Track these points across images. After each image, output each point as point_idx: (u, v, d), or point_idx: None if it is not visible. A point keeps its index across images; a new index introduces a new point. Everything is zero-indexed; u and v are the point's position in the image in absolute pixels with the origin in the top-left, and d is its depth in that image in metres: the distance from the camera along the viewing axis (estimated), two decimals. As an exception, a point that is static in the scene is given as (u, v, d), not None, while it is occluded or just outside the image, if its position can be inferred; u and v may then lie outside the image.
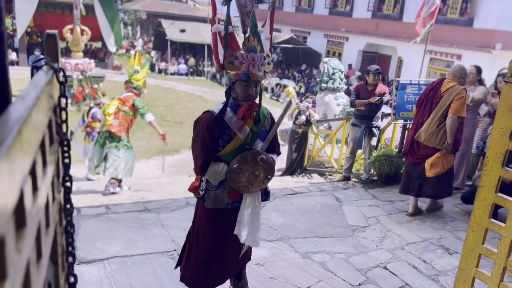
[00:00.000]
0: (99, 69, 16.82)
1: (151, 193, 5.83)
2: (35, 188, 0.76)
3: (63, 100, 1.14)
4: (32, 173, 0.74)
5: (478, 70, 5.63)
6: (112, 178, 5.92)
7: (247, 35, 2.35)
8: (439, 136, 4.54)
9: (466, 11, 16.30)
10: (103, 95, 14.34)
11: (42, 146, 0.86)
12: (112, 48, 16.65)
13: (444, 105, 4.51)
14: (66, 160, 1.15)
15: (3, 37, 0.84)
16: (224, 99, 2.50)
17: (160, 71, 23.76)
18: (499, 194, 2.16)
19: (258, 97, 2.45)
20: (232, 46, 2.32)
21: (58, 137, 1.10)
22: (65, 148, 1.14)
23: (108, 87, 15.49)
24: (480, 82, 5.62)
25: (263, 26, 2.49)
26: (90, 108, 7.80)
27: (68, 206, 1.19)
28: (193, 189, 2.67)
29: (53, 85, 1.09)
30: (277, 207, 4.87)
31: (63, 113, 1.15)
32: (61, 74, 1.11)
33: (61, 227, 1.19)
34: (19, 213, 0.63)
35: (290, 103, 2.61)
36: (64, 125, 1.15)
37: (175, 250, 3.72)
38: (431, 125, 4.55)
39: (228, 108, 2.43)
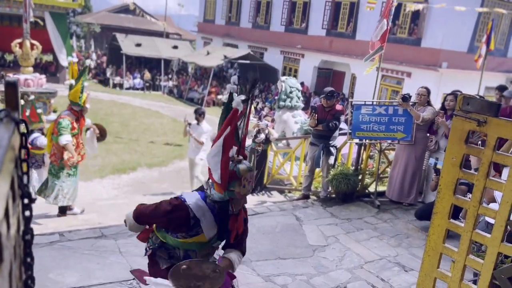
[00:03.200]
0: (50, 84, 16.20)
1: (107, 217, 5.65)
2: (1, 260, 0.73)
3: (23, 151, 1.10)
4: (-2, 248, 0.71)
5: (428, 91, 5.96)
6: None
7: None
8: None
9: (414, 31, 17.15)
10: (54, 111, 13.80)
11: (6, 213, 0.83)
12: (64, 62, 16.15)
13: None
14: (27, 213, 1.11)
15: None
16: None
17: (115, 85, 23.21)
18: (451, 220, 2.27)
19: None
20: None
21: (19, 191, 1.06)
22: (26, 201, 1.10)
23: (60, 102, 14.92)
24: (428, 102, 5.93)
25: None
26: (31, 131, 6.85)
27: (28, 259, 1.14)
28: (142, 239, 2.66)
29: (15, 137, 1.05)
30: (238, 228, 4.85)
31: (24, 165, 1.11)
32: (22, 126, 1.07)
33: (21, 282, 1.14)
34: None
35: None
36: (25, 177, 1.10)
37: (134, 278, 3.62)
38: None
39: (205, 205, 2.33)
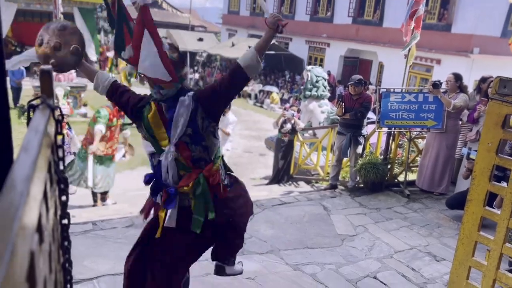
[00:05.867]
0: (80, 79, 16.60)
1: (138, 207, 5.75)
2: (41, 241, 0.75)
3: (59, 138, 1.13)
4: (39, 229, 0.73)
5: (457, 77, 5.75)
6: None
7: None
8: None
9: (444, 16, 16.65)
10: (85, 105, 14.15)
11: (45, 195, 0.85)
12: (93, 57, 16.46)
13: None
14: (63, 198, 1.14)
15: (7, 101, 0.83)
16: None
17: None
18: (487, 207, 2.21)
19: None
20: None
21: (55, 176, 1.09)
22: (62, 186, 1.13)
23: (90, 96, 15.28)
24: (461, 89, 5.73)
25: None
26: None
27: (66, 243, 1.18)
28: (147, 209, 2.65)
29: (50, 123, 1.08)
30: (266, 218, 4.87)
31: (60, 151, 1.14)
32: (57, 112, 1.09)
33: (59, 264, 1.17)
34: (30, 278, 0.62)
35: None
36: (61, 163, 1.13)
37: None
38: None
39: None
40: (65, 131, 6.30)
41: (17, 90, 13.11)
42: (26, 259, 0.58)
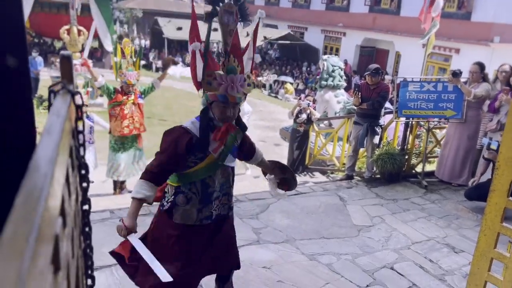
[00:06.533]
0: (97, 69, 16.75)
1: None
2: (64, 225, 0.75)
3: (80, 123, 1.13)
4: (62, 213, 0.72)
5: (481, 67, 5.60)
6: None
7: (227, 55, 2.26)
8: None
9: (463, 4, 16.27)
10: (101, 96, 14.27)
11: (67, 179, 0.84)
12: (109, 47, 16.54)
13: None
14: (84, 184, 1.14)
15: (30, 89, 0.83)
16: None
17: (157, 69, 23.65)
18: (511, 198, 2.15)
19: (236, 118, 2.39)
20: (210, 66, 2.24)
21: (76, 162, 1.09)
22: (83, 172, 1.13)
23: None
24: (484, 78, 5.57)
25: (246, 46, 2.40)
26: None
27: (87, 229, 1.18)
28: (157, 199, 2.55)
29: (71, 108, 1.07)
30: (282, 208, 4.86)
31: (80, 136, 1.13)
32: (78, 97, 1.09)
33: (81, 250, 1.18)
34: (55, 260, 0.62)
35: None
36: (81, 149, 1.13)
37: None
38: None
39: (202, 126, 2.32)
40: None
41: (35, 81, 13.29)
42: (51, 242, 0.57)
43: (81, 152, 1.12)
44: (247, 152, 2.67)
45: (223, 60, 2.26)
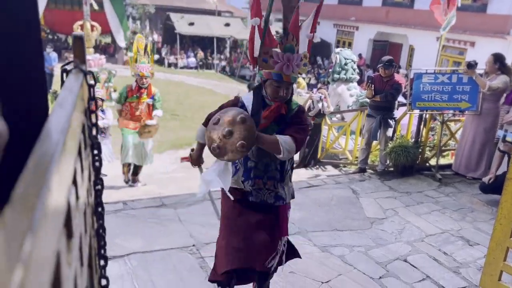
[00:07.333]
0: (110, 65, 16.88)
1: (167, 189, 5.84)
2: (77, 197, 0.75)
3: (92, 103, 1.13)
4: (74, 182, 0.72)
5: (496, 58, 5.47)
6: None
7: (286, 33, 2.22)
8: None
9: (479, -4, 15.98)
10: (114, 91, 14.39)
11: (79, 152, 0.84)
12: (121, 43, 16.64)
13: None
14: (97, 164, 1.14)
15: (42, 58, 0.83)
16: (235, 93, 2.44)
17: (169, 65, 23.76)
18: (528, 186, 2.11)
19: (289, 98, 2.34)
20: (267, 43, 2.19)
21: (89, 141, 1.09)
22: (96, 152, 1.13)
23: (119, 82, 15.54)
24: (502, 70, 5.42)
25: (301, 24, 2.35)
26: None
27: (99, 209, 1.19)
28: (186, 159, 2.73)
29: (84, 88, 1.08)
30: (294, 200, 4.81)
31: (93, 116, 1.14)
32: (90, 76, 1.09)
33: (94, 230, 1.18)
34: (68, 225, 0.62)
35: None
36: (94, 128, 1.13)
37: (193, 245, 3.73)
38: None
39: (255, 102, 2.33)
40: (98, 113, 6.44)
41: (49, 76, 13.43)
42: (63, 205, 0.57)
43: (93, 132, 1.12)
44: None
45: (282, 37, 2.21)
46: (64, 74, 1.06)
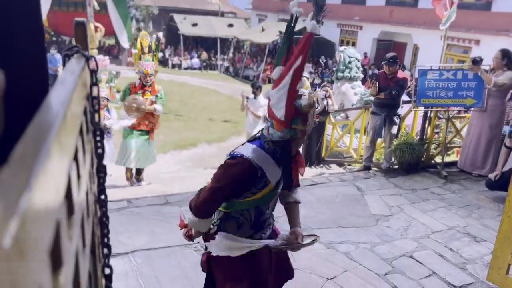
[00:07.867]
0: (114, 66, 16.94)
1: (171, 187, 5.84)
2: (78, 176, 0.74)
3: (94, 89, 1.12)
4: (75, 159, 0.71)
5: (504, 54, 5.42)
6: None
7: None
8: None
9: (483, -6, 15.91)
10: (118, 91, 14.43)
11: (80, 133, 0.83)
12: (125, 44, 16.67)
13: None
14: (99, 150, 1.13)
15: (42, 32, 0.82)
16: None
17: (173, 66, 23.81)
18: (536, 178, 2.08)
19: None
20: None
21: (91, 127, 1.08)
22: (98, 138, 1.12)
23: (123, 83, 15.58)
24: (509, 67, 5.37)
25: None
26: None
27: (102, 197, 1.18)
28: (189, 237, 2.44)
29: (85, 73, 1.07)
30: (298, 198, 4.82)
31: (95, 102, 1.13)
32: (92, 62, 1.08)
33: (97, 218, 1.17)
34: (68, 200, 0.61)
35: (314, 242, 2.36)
36: (96, 115, 1.12)
37: (198, 242, 3.71)
38: None
39: (264, 152, 2.09)
40: (102, 112, 6.44)
41: (53, 77, 13.50)
42: (63, 175, 0.56)
43: (96, 118, 1.11)
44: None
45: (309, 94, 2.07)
46: (66, 59, 1.05)
